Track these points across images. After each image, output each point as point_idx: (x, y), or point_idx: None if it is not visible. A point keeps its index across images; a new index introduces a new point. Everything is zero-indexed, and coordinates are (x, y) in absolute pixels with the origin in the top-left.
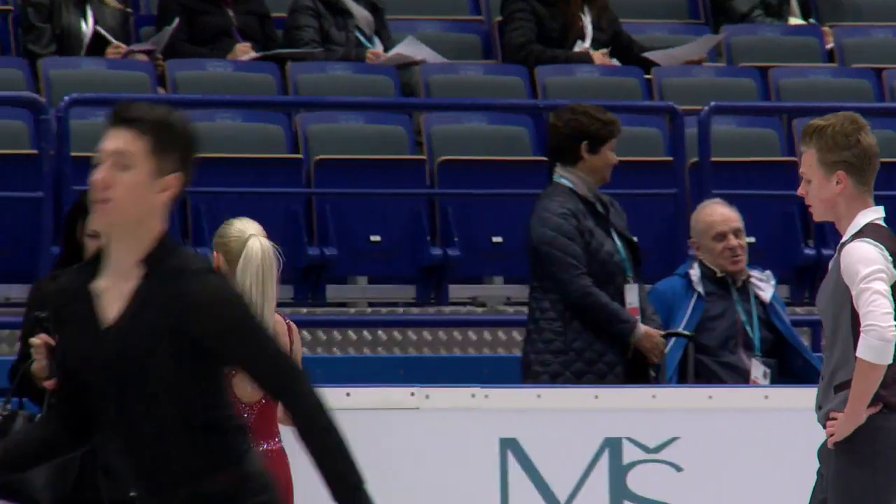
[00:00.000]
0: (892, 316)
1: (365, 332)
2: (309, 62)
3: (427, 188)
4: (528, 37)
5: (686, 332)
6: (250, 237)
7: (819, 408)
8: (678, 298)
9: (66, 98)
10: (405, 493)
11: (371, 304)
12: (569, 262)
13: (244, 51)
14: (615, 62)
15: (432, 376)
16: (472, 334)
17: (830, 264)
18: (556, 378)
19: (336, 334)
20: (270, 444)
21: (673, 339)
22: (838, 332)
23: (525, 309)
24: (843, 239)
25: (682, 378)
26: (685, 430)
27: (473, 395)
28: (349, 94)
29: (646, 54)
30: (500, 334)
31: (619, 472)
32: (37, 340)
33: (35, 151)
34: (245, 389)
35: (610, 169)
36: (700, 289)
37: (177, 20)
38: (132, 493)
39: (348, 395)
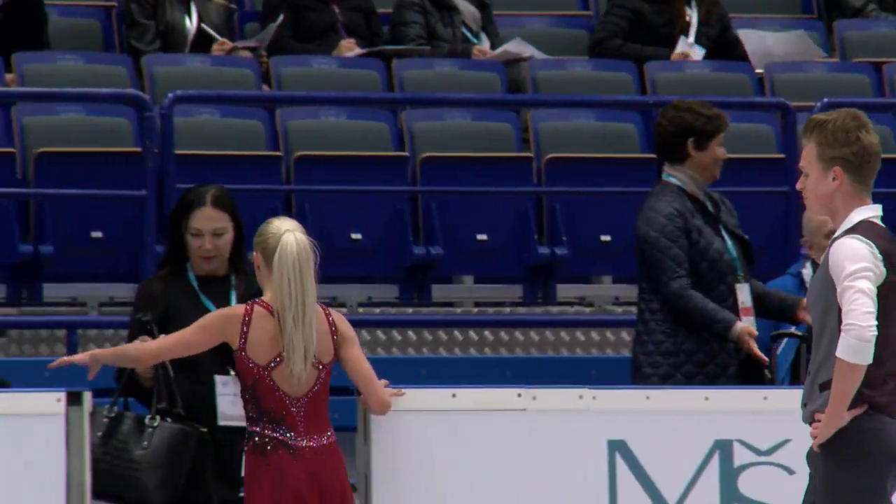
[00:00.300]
0: (874, 315)
1: (471, 333)
2: (415, 58)
3: (534, 186)
4: (609, 31)
5: (798, 333)
6: (285, 232)
7: (804, 405)
8: None
9: (171, 95)
10: (512, 495)
11: (477, 304)
12: (667, 265)
13: (349, 47)
14: (696, 58)
15: (539, 377)
16: (579, 335)
17: (821, 259)
18: (666, 380)
19: (442, 334)
20: (322, 438)
21: (785, 340)
22: (825, 329)
23: (634, 309)
24: (835, 234)
25: (794, 379)
26: (797, 432)
27: (581, 397)
28: (455, 91)
29: (740, 31)
30: (609, 335)
31: (729, 475)
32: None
33: (139, 149)
34: (291, 384)
35: (719, 165)
36: None
37: (281, 16)
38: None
39: (454, 396)
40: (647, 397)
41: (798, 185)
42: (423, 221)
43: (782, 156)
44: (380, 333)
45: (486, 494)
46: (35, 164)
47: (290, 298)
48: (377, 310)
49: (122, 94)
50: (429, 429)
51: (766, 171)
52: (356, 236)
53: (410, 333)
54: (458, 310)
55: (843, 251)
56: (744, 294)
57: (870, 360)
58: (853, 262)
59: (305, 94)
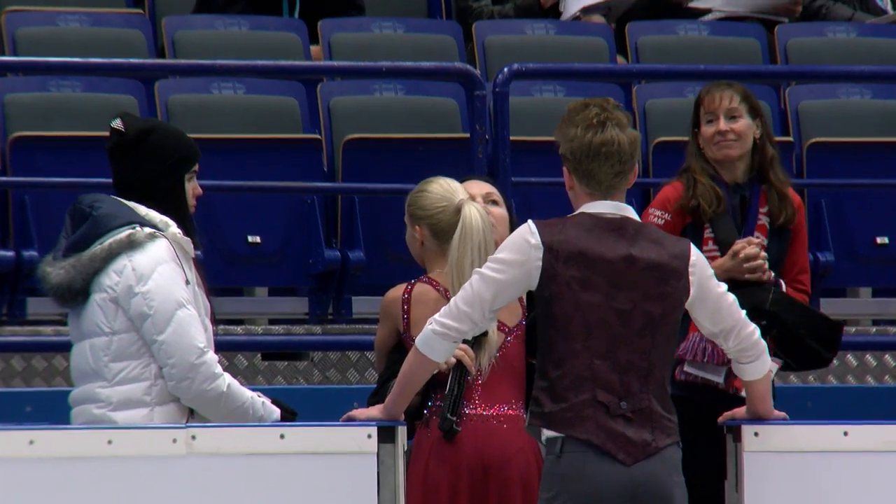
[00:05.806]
0: None
1: (868, 357)
2: (800, 24)
3: None
4: None
5: None
6: (463, 204)
7: None
8: None
9: (506, 69)
10: None
11: (876, 322)
12: None
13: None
14: None
15: None
16: None
17: None
18: None
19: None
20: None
21: None
22: None
23: None
24: None
25: None
26: None
27: None
28: (850, 63)
29: None
30: None
31: None
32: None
33: (466, 135)
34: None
35: None
36: None
37: None
38: None
39: (845, 434)
40: None
41: None
42: (810, 219)
43: None
44: None
45: None
46: (343, 152)
47: None
48: None
49: (447, 69)
50: (815, 473)
51: None
52: None
53: None
54: (853, 329)
55: None
56: None
57: None
58: None
59: (667, 68)
